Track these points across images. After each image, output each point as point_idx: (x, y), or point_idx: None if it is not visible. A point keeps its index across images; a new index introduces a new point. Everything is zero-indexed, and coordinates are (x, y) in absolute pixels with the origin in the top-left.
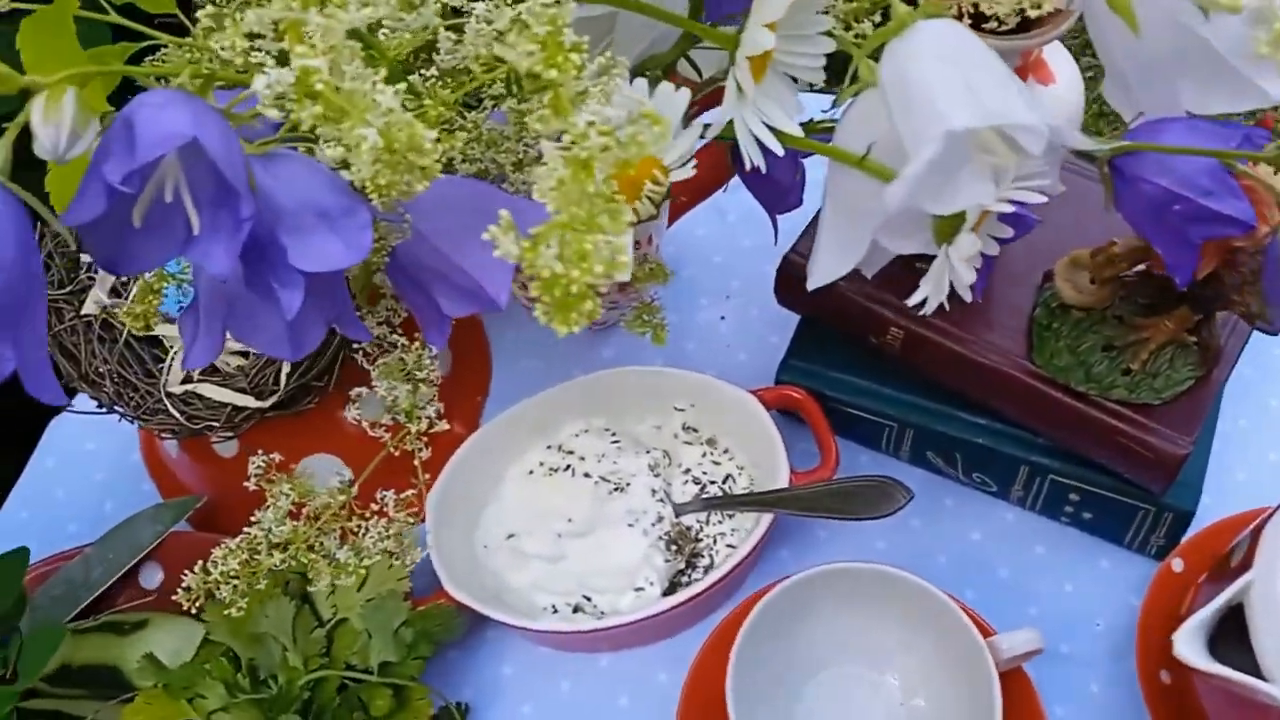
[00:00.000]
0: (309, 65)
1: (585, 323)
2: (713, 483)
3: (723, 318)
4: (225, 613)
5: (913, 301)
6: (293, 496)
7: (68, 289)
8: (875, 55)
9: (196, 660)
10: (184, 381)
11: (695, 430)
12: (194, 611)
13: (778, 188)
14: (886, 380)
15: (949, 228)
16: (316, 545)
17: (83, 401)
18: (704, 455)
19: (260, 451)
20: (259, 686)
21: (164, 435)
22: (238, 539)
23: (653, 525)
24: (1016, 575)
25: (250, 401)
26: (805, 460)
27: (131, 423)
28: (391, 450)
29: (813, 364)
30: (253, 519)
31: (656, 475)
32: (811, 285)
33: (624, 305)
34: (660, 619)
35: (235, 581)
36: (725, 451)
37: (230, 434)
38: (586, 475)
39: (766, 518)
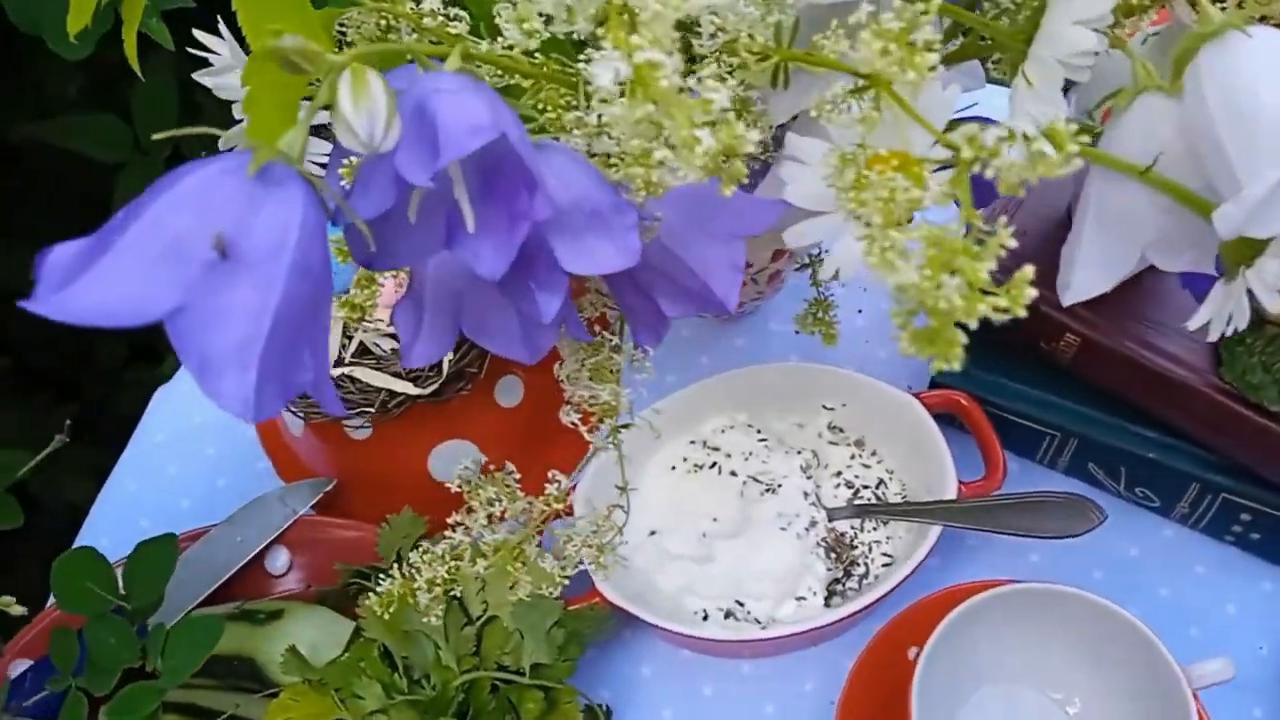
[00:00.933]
0: (653, 59)
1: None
2: (865, 487)
3: (860, 311)
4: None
5: (1194, 326)
6: (500, 501)
7: None
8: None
9: (350, 657)
10: (337, 364)
11: (841, 430)
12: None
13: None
14: (1053, 387)
15: (1248, 250)
16: (520, 554)
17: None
18: (852, 457)
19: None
20: (414, 687)
21: (310, 416)
22: (440, 545)
23: (806, 530)
24: (1176, 594)
25: (409, 388)
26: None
27: None
28: (602, 446)
29: (973, 366)
30: (453, 522)
31: (809, 477)
32: (1067, 301)
33: (768, 295)
34: (819, 629)
35: (437, 589)
36: (874, 454)
37: (382, 419)
38: (734, 474)
39: (932, 529)
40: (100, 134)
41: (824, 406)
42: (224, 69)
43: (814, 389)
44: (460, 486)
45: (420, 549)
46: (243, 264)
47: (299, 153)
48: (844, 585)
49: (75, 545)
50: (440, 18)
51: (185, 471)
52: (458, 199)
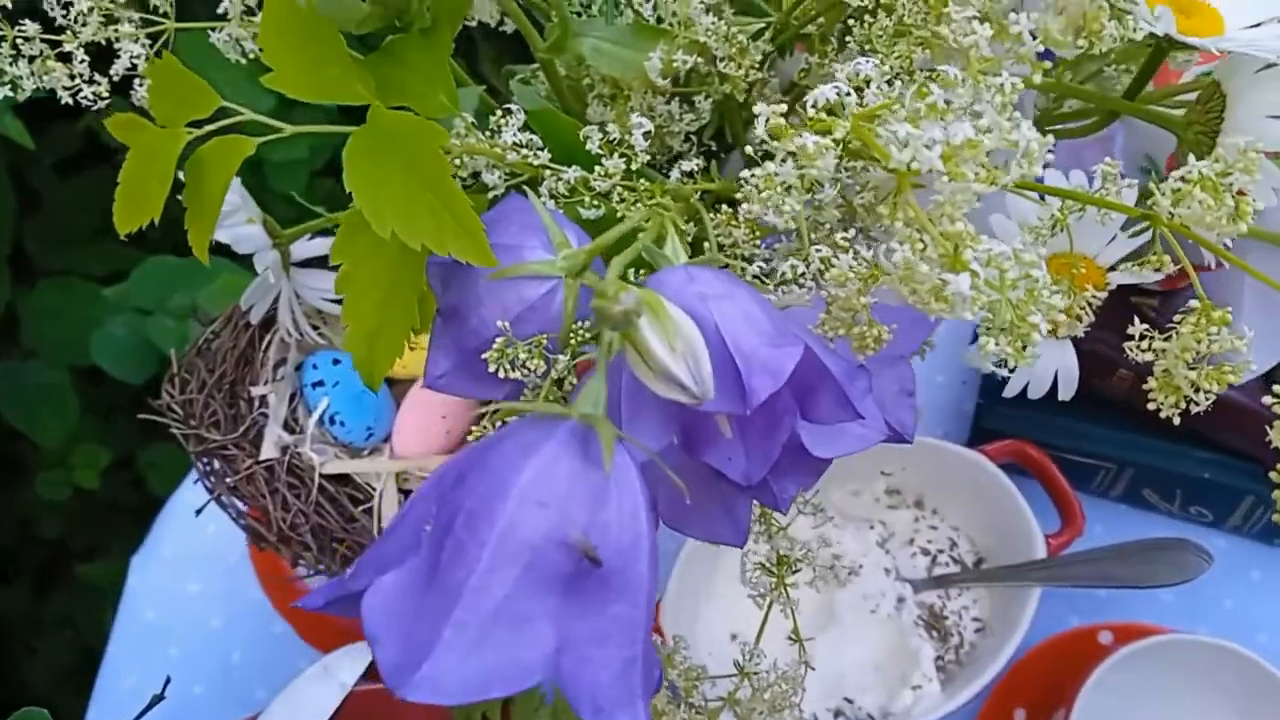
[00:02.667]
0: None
1: None
2: (940, 551)
3: None
4: None
5: None
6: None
7: (237, 431)
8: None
9: None
10: None
11: (898, 493)
12: None
13: None
14: (1105, 420)
15: None
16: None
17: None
18: (917, 520)
19: None
20: None
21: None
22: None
23: (896, 609)
24: (1239, 604)
25: None
26: None
27: (330, 575)
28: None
29: (1020, 408)
30: None
31: (887, 552)
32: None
33: None
34: None
35: None
36: (934, 512)
37: None
38: (802, 558)
39: (1030, 591)
40: None
41: (882, 472)
42: (233, 212)
43: (873, 454)
44: None
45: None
46: (609, 571)
47: (603, 409)
48: (944, 660)
49: None
50: (523, 151)
51: (190, 652)
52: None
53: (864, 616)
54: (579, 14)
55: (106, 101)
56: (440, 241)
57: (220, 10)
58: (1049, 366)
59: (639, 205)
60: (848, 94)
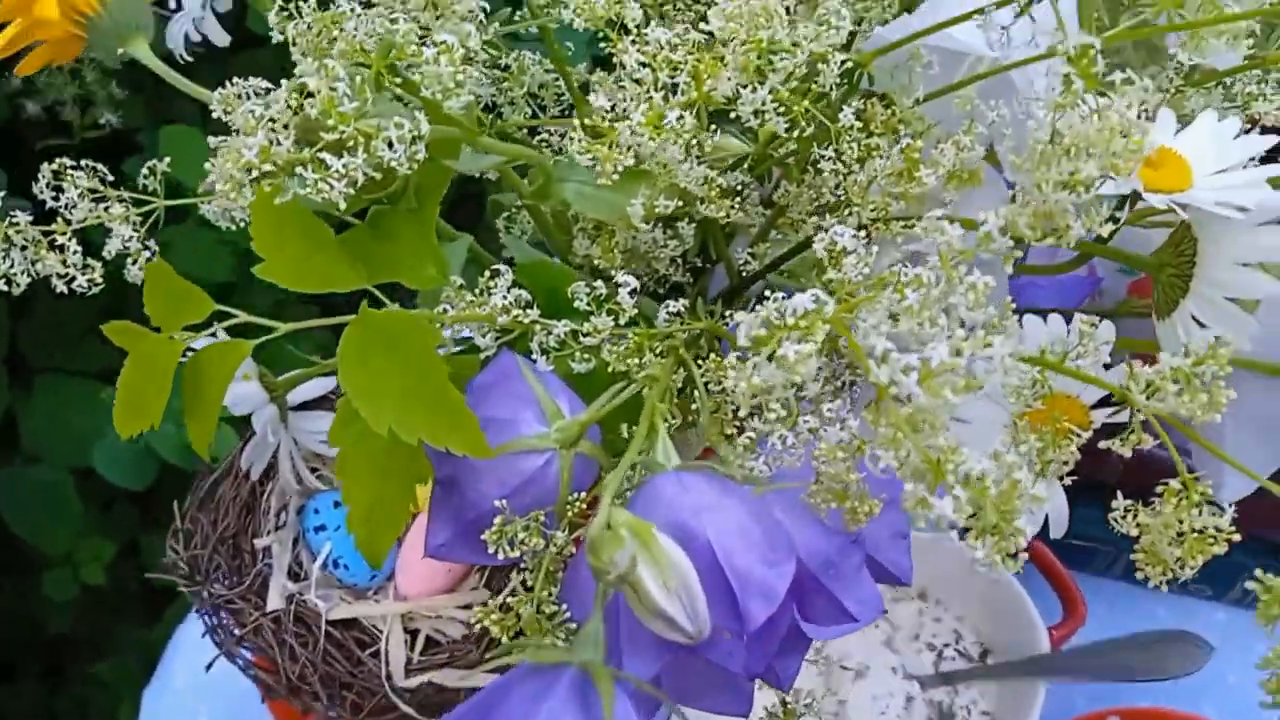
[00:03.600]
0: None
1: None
2: (946, 645)
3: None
4: None
5: None
6: None
7: (243, 584)
8: None
9: None
10: (412, 670)
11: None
12: None
13: None
14: (1102, 503)
15: None
16: None
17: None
18: (920, 613)
19: None
20: None
21: None
22: None
23: (905, 709)
24: (1242, 680)
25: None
26: None
27: None
28: None
29: None
30: None
31: (894, 651)
32: (1227, 500)
33: None
34: None
35: None
36: (939, 603)
37: None
38: (812, 660)
39: (1034, 684)
40: None
41: None
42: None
43: None
44: None
45: None
46: None
47: (603, 652)
48: None
49: None
50: (515, 312)
51: None
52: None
53: (874, 719)
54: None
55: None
56: (435, 436)
57: (205, 186)
58: (1040, 509)
59: (628, 360)
60: (824, 300)
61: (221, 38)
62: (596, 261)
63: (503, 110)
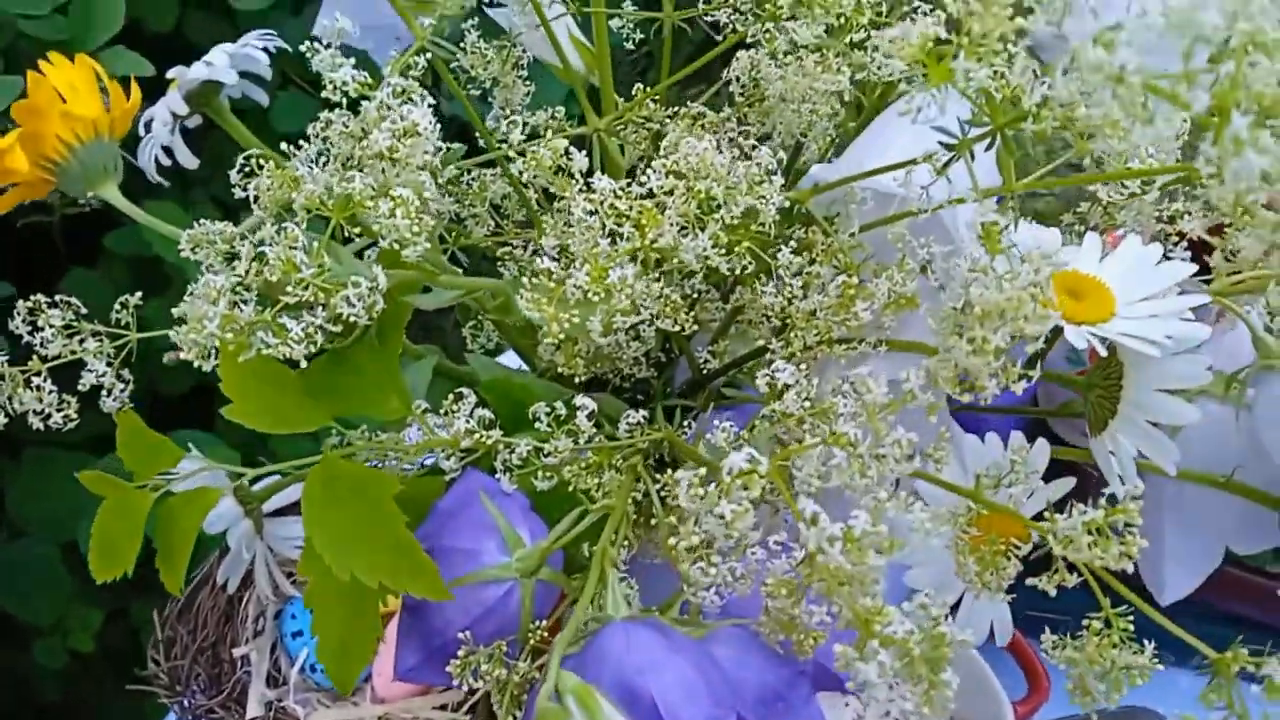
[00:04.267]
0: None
1: None
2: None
3: None
4: None
5: None
6: None
7: (222, 693)
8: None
9: None
10: None
11: None
12: None
13: None
14: None
15: None
16: None
17: None
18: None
19: None
20: None
21: None
22: None
23: None
24: None
25: None
26: None
27: None
28: None
29: None
30: None
31: None
32: (1166, 602)
33: None
34: None
35: None
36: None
37: None
38: None
39: None
40: None
41: None
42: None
43: None
44: None
45: None
46: None
47: None
48: None
49: None
50: (477, 434)
51: None
52: None
53: None
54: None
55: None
56: (396, 580)
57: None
58: (984, 618)
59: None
60: (759, 461)
61: (190, 161)
62: (560, 369)
63: (466, 221)
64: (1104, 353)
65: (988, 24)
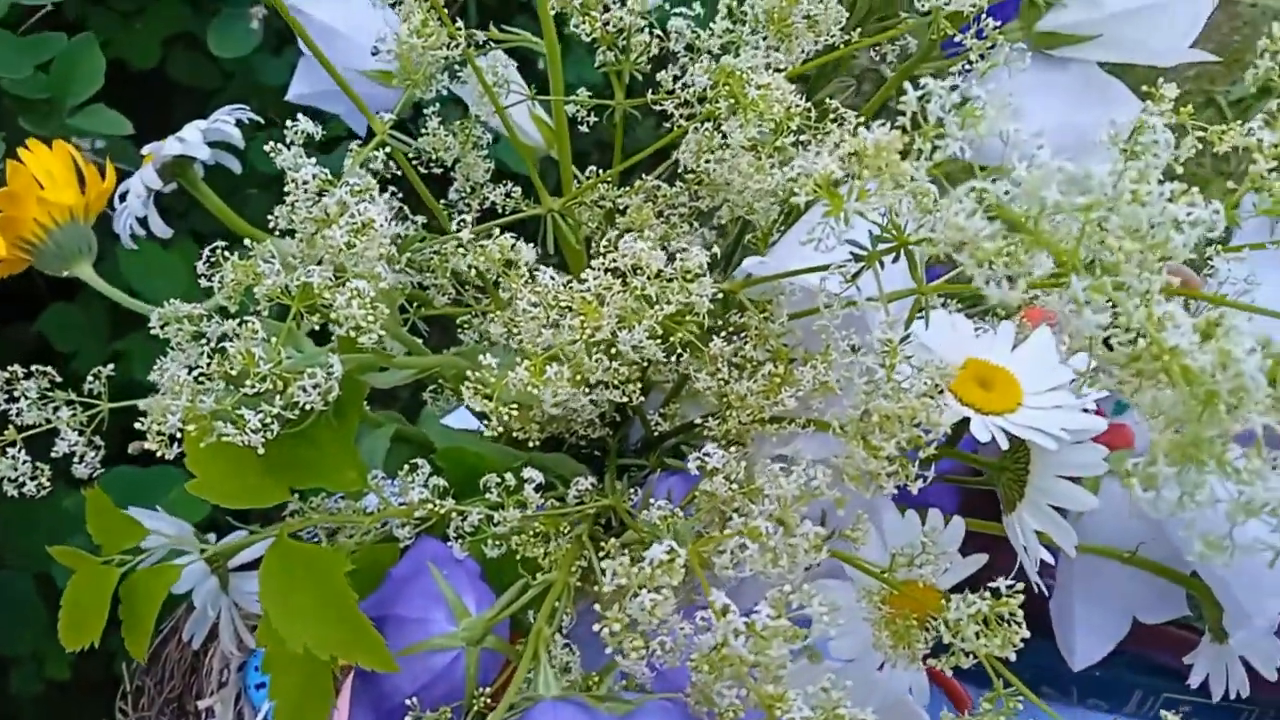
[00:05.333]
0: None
1: None
2: None
3: None
4: None
5: (1194, 683)
6: None
7: None
8: None
9: None
10: None
11: None
12: None
13: None
14: None
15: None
16: None
17: None
18: None
19: None
20: None
21: None
22: None
23: None
24: None
25: None
26: None
27: None
28: None
29: None
30: None
31: None
32: (1078, 667)
33: None
34: None
35: None
36: None
37: None
38: None
39: None
40: None
41: None
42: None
43: None
44: None
45: None
46: None
47: None
48: None
49: None
50: (431, 504)
51: None
52: None
53: None
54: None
55: None
56: (346, 653)
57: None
58: (902, 686)
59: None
60: (678, 553)
61: (163, 231)
62: (515, 433)
63: (429, 289)
64: (1005, 444)
65: (877, 167)
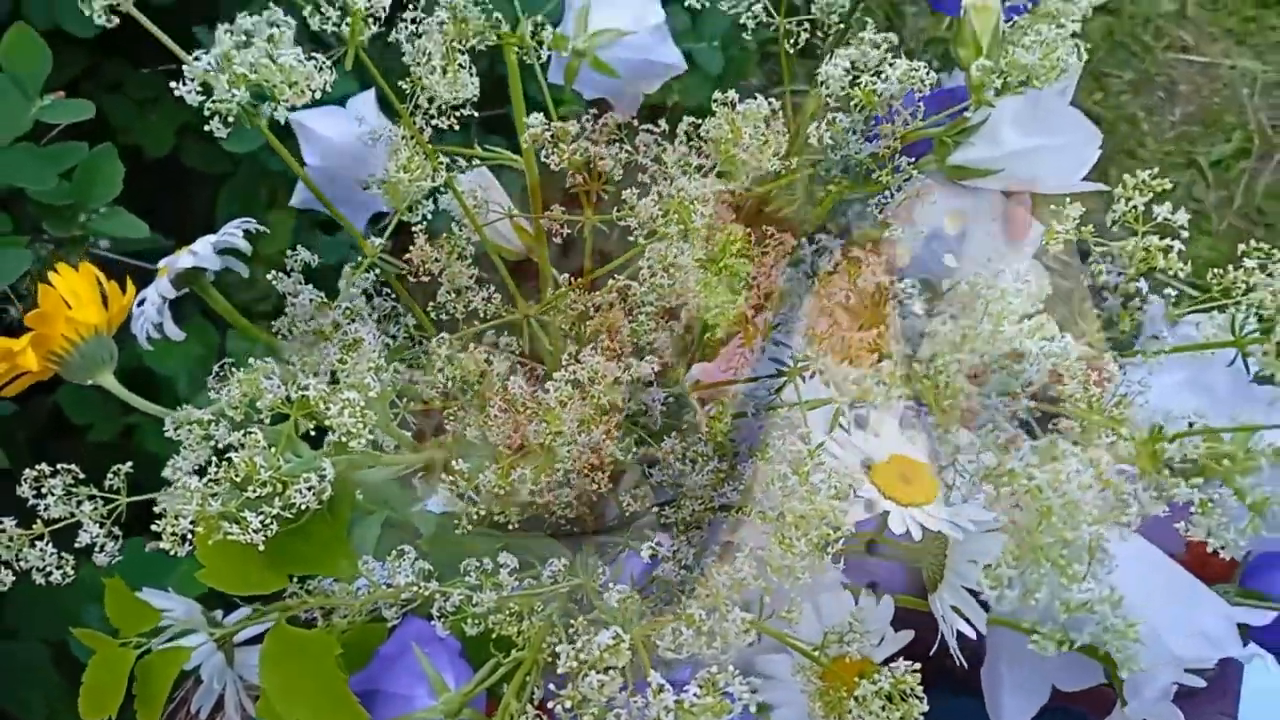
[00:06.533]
0: None
1: None
2: None
3: None
4: None
5: None
6: None
7: None
8: None
9: None
10: None
11: None
12: None
13: None
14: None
15: None
16: None
17: None
18: None
19: None
20: None
21: None
22: None
23: None
24: None
25: None
26: None
27: None
28: None
29: None
30: None
31: None
32: None
33: None
34: None
35: None
36: None
37: None
38: None
39: None
40: None
41: None
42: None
43: None
44: None
45: None
46: None
47: None
48: None
49: None
50: (416, 586)
51: None
52: None
53: None
54: None
55: None
56: None
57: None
58: None
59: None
60: (622, 638)
61: (177, 335)
62: (496, 517)
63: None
64: (918, 536)
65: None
